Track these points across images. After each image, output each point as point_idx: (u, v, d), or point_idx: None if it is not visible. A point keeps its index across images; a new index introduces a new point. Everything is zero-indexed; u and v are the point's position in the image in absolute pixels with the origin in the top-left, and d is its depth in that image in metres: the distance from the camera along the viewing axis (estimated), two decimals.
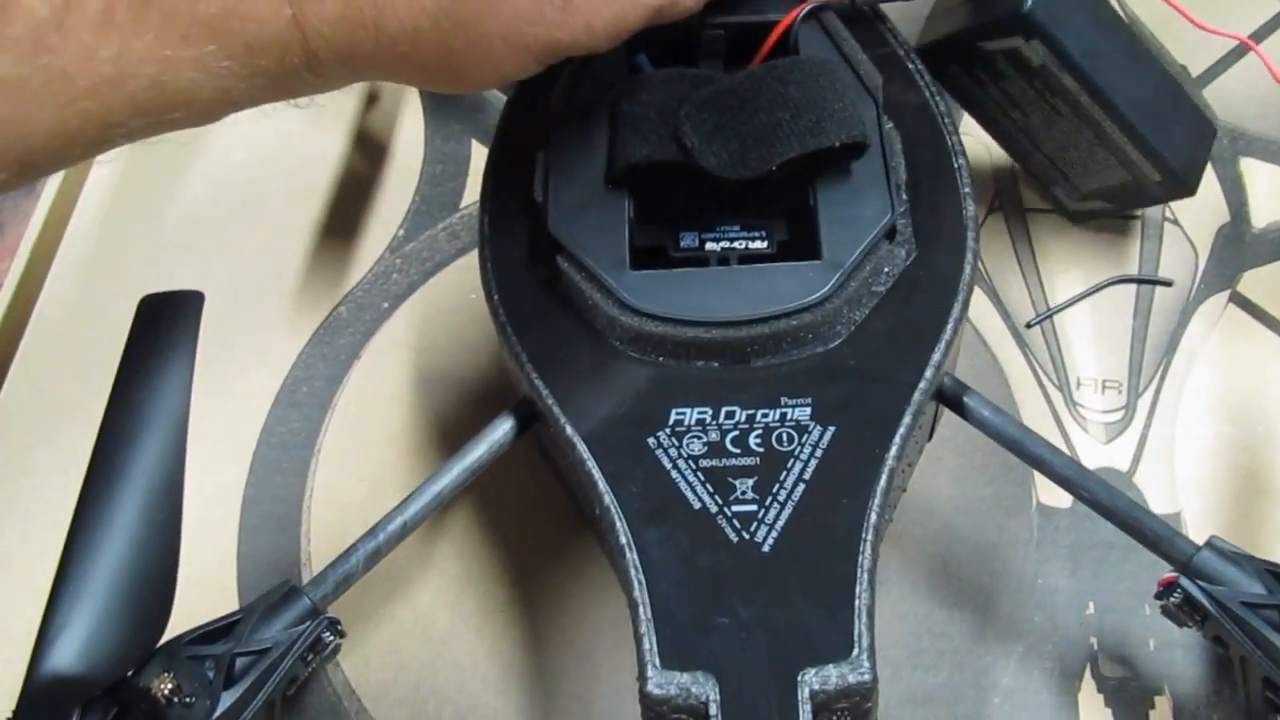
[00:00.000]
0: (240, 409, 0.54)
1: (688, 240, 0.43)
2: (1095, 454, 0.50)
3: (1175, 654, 0.45)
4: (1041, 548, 0.48)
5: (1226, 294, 0.53)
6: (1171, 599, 0.39)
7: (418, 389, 0.55)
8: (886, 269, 0.42)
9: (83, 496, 0.40)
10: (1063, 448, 0.49)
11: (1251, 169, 0.57)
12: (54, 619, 0.38)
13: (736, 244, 0.43)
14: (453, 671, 0.47)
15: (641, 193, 0.43)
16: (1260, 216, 0.55)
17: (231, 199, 0.61)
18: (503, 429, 0.44)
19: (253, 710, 0.39)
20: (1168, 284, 0.53)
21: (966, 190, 0.44)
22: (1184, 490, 0.49)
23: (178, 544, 0.40)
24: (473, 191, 0.60)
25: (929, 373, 0.40)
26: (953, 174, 0.44)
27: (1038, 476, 0.48)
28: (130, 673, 0.38)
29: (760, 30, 0.46)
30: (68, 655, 0.38)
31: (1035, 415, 0.51)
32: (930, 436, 0.49)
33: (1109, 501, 0.40)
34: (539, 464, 0.50)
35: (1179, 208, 0.55)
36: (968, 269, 0.42)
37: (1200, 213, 0.56)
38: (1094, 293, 0.53)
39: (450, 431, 0.53)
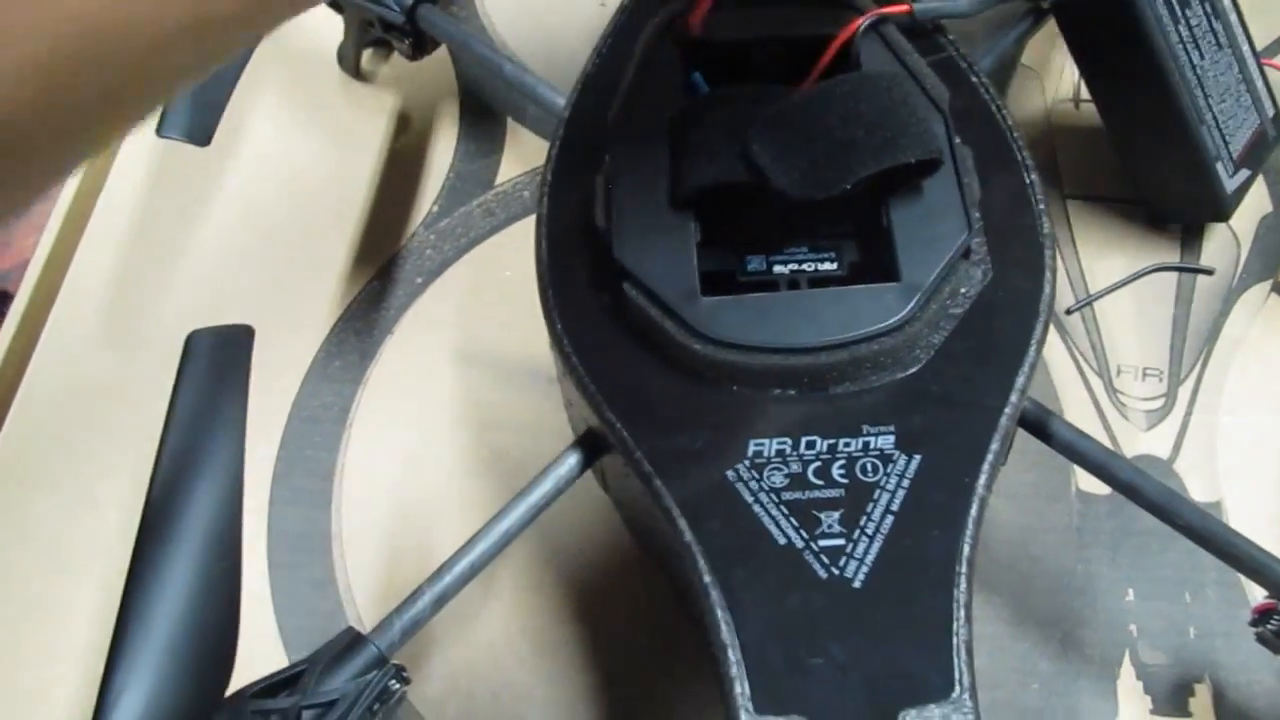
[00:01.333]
0: (274, 382, 0.53)
1: (754, 264, 0.42)
2: (1135, 441, 0.50)
3: (1216, 642, 0.45)
4: (1081, 534, 0.48)
5: (1269, 284, 0.53)
6: (1269, 625, 0.39)
7: (450, 365, 0.54)
8: (964, 290, 0.41)
9: (137, 550, 0.39)
10: (1103, 435, 0.50)
11: None
12: (113, 681, 0.37)
13: (805, 266, 0.42)
14: (507, 695, 0.46)
15: (706, 216, 0.42)
16: None
17: (268, 189, 0.60)
18: (568, 464, 0.42)
19: None
20: (1209, 272, 0.53)
21: (1041, 207, 0.43)
22: (1225, 479, 0.49)
23: (238, 595, 0.40)
24: (508, 168, 0.59)
25: (1014, 397, 0.39)
26: (1025, 190, 0.43)
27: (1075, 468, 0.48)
28: None
29: (819, 44, 0.44)
30: (131, 714, 0.37)
31: (1075, 403, 0.51)
32: (1005, 460, 0.48)
33: (1204, 527, 0.40)
34: (599, 495, 0.49)
35: None
36: (1048, 288, 0.41)
37: (1244, 202, 0.55)
38: (1134, 279, 0.53)
39: (483, 409, 0.53)
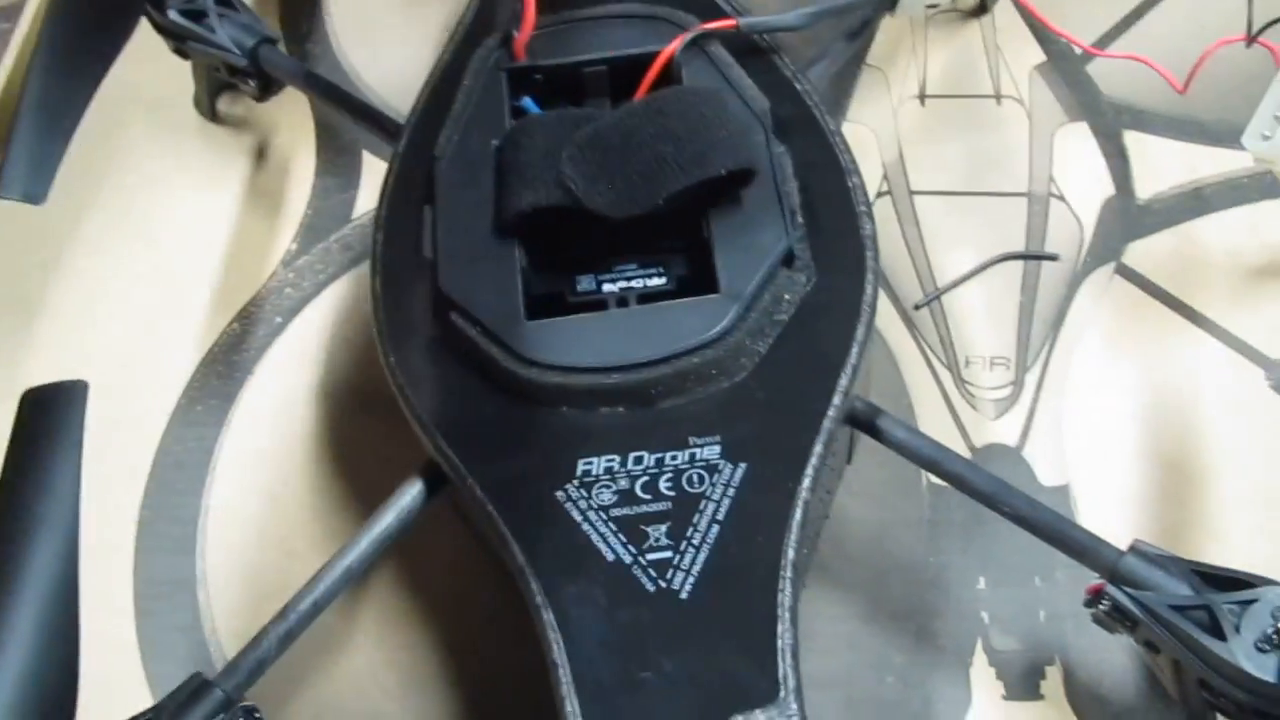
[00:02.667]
0: (137, 431, 0.53)
1: (585, 284, 0.42)
2: (985, 430, 0.50)
3: (1065, 625, 0.46)
4: (934, 527, 0.49)
5: (1112, 266, 0.54)
6: (1101, 606, 0.40)
7: (311, 402, 0.54)
8: (787, 296, 0.41)
9: None
10: (953, 426, 0.50)
11: (1135, 141, 0.57)
12: None
13: (634, 283, 0.42)
14: None
15: (534, 240, 0.42)
16: (1145, 188, 0.56)
17: (128, 240, 0.60)
18: (411, 494, 0.43)
19: None
20: (1054, 259, 0.54)
21: (863, 209, 0.44)
22: (1073, 463, 0.49)
23: (77, 650, 0.40)
24: (364, 202, 0.59)
25: (837, 399, 0.40)
26: (848, 193, 0.44)
27: None
28: None
29: (644, 63, 0.45)
30: None
31: (925, 396, 0.51)
32: (850, 459, 0.48)
33: (1031, 514, 0.41)
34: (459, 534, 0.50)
35: (1064, 183, 0.56)
36: (869, 289, 0.42)
37: (1085, 186, 0.56)
38: (980, 271, 0.54)
39: (344, 443, 0.53)
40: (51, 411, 0.42)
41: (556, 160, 0.41)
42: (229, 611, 0.49)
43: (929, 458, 0.42)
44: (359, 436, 0.53)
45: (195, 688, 0.40)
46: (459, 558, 0.49)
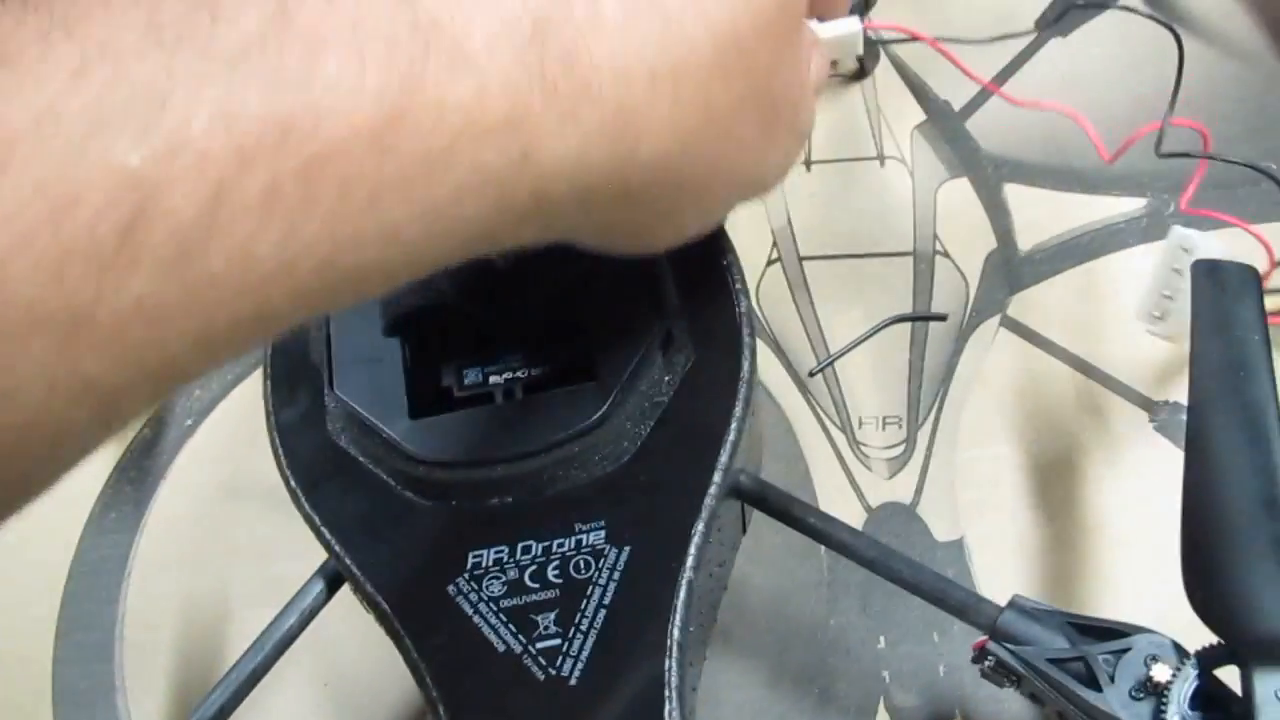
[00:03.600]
0: (52, 540, 0.54)
1: (471, 376, 0.43)
2: (879, 490, 0.52)
3: (964, 677, 0.47)
4: (833, 588, 0.49)
5: (998, 318, 0.55)
6: (986, 663, 0.41)
7: (224, 501, 0.55)
8: (667, 378, 0.42)
9: None
10: (848, 487, 0.52)
11: (1014, 194, 0.59)
12: None
13: (520, 373, 0.42)
14: None
15: (422, 337, 0.43)
16: (1026, 239, 0.58)
17: None
18: (313, 594, 0.43)
19: None
20: (942, 319, 0.55)
21: (738, 287, 0.44)
22: (965, 515, 0.51)
23: None
24: None
25: (717, 477, 0.40)
26: (722, 271, 0.44)
27: None
28: None
29: None
30: None
31: (820, 458, 0.53)
32: (745, 529, 0.49)
33: (914, 577, 0.42)
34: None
35: (948, 239, 0.58)
36: (745, 366, 0.42)
37: (969, 242, 0.58)
38: (870, 336, 0.55)
39: (258, 541, 0.53)
40: None
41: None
42: (148, 717, 0.50)
43: (815, 528, 0.43)
44: (271, 535, 0.53)
45: None
46: (366, 648, 0.50)
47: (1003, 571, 0.48)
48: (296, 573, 0.51)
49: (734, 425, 0.41)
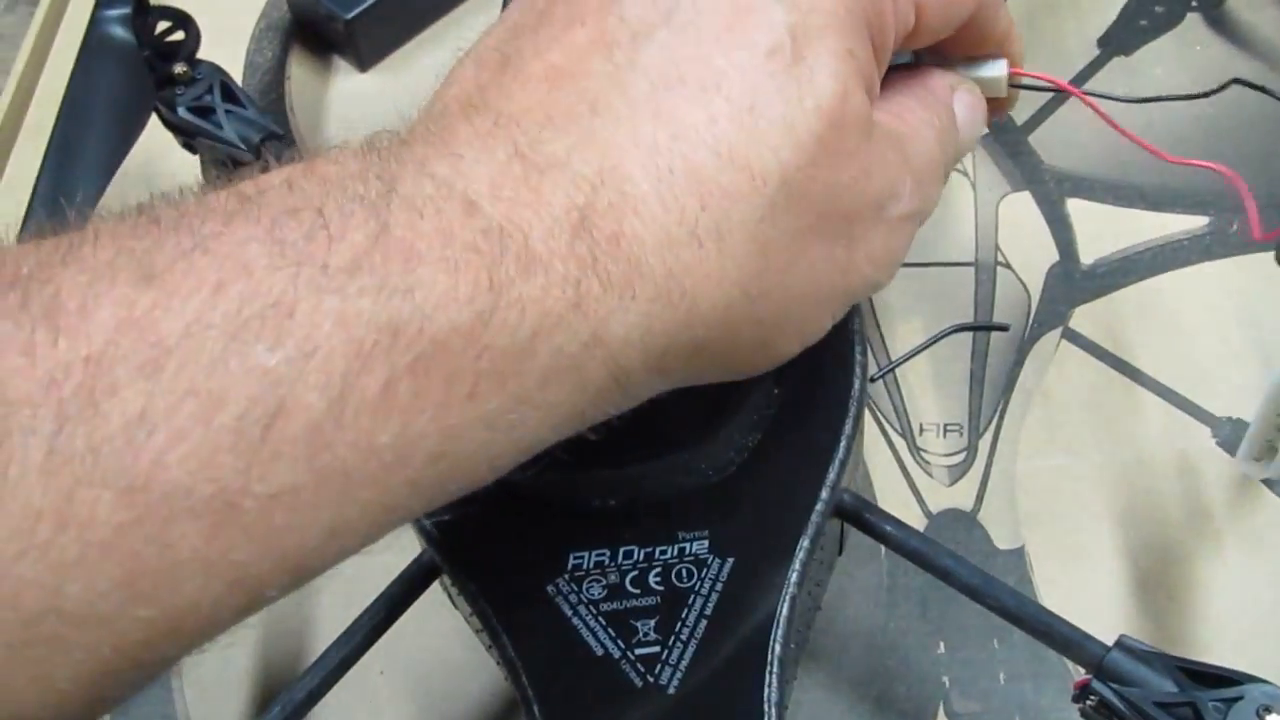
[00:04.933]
0: None
1: None
2: (940, 496, 0.52)
3: (1025, 685, 0.47)
4: (892, 593, 0.50)
5: (1059, 331, 0.56)
6: (1088, 701, 0.40)
7: None
8: (776, 390, 0.42)
9: None
10: (908, 493, 0.52)
11: (1076, 208, 0.60)
12: None
13: None
14: None
15: None
16: (1088, 253, 0.58)
17: None
18: (403, 585, 0.43)
19: None
20: (1004, 329, 0.56)
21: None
22: (1026, 524, 0.51)
23: None
24: None
25: (825, 494, 0.40)
26: None
27: None
28: None
29: None
30: None
31: (881, 464, 0.53)
32: (841, 550, 0.49)
33: (1017, 608, 0.41)
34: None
35: (1010, 251, 0.58)
36: (857, 384, 0.43)
37: (1030, 254, 0.58)
38: (933, 344, 0.55)
39: None
40: None
41: None
42: (204, 702, 0.50)
43: (915, 550, 0.43)
44: None
45: None
46: (450, 649, 0.50)
47: (1065, 583, 0.48)
48: (361, 564, 0.51)
49: (843, 443, 0.41)
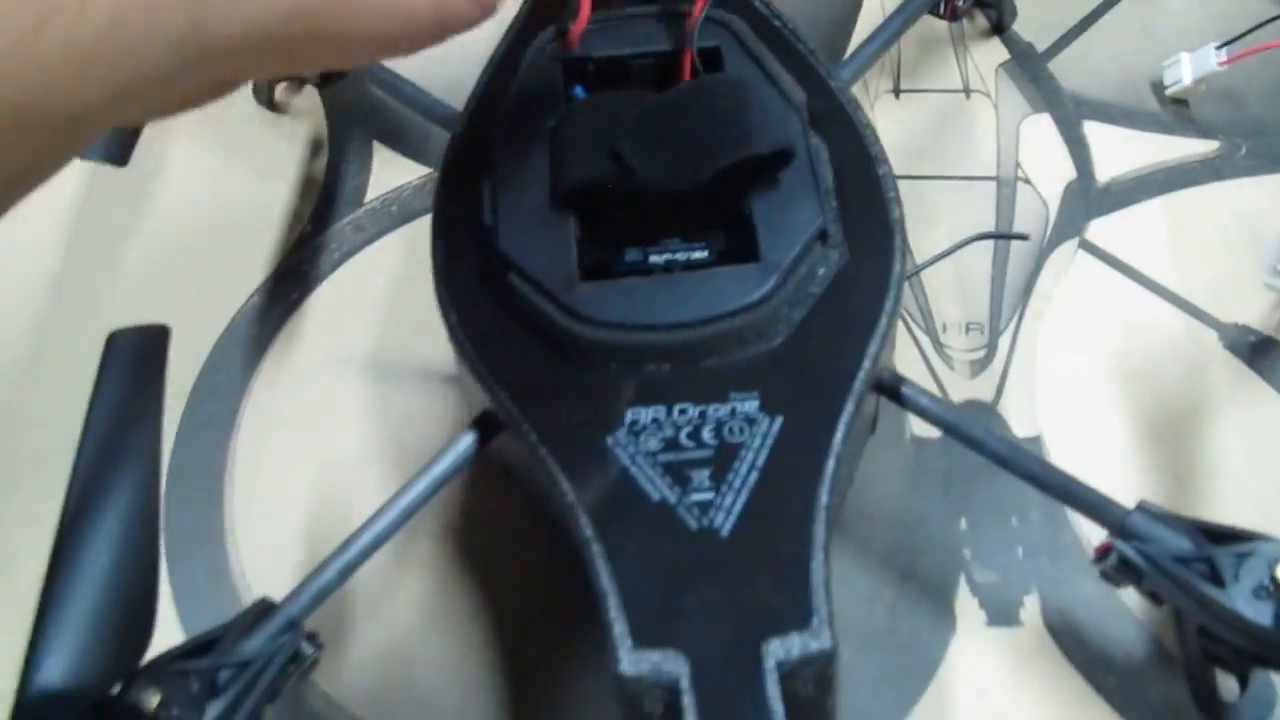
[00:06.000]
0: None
1: (632, 256, 0.45)
2: (962, 388, 0.55)
3: (1041, 559, 0.51)
4: (916, 474, 0.53)
5: (1076, 241, 0.60)
6: (1108, 563, 0.43)
7: (328, 370, 0.57)
8: (821, 270, 0.45)
9: (63, 522, 0.41)
10: (932, 384, 0.55)
11: (1093, 130, 0.63)
12: (40, 639, 0.39)
13: (679, 255, 0.45)
14: (421, 674, 0.49)
15: (586, 214, 0.46)
16: (1103, 171, 0.62)
17: (162, 216, 0.63)
18: (465, 442, 0.46)
19: None
20: (1024, 238, 0.59)
21: (891, 195, 0.47)
22: (1044, 415, 0.54)
23: (156, 565, 0.42)
24: (375, 188, 0.63)
25: (867, 363, 0.43)
26: (877, 181, 0.48)
27: (910, 414, 0.52)
28: (117, 691, 0.40)
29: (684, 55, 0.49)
30: (56, 673, 0.39)
31: (907, 359, 0.56)
32: (873, 430, 0.53)
33: (1043, 474, 0.45)
34: (501, 489, 0.53)
35: (1029, 168, 0.62)
36: (897, 266, 0.46)
37: (1049, 171, 0.62)
38: (956, 250, 0.58)
39: (363, 405, 0.56)
40: (136, 351, 0.45)
41: (610, 137, 0.45)
42: (256, 560, 0.53)
43: (949, 422, 0.46)
44: (376, 400, 0.56)
45: (262, 609, 0.43)
46: (497, 522, 0.53)
47: (1080, 468, 0.50)
48: (406, 437, 0.54)
49: (885, 318, 0.44)
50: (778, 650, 0.37)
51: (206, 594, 0.52)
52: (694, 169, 0.44)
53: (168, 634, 0.50)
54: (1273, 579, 0.40)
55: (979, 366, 0.56)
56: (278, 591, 0.44)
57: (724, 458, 0.42)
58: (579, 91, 0.49)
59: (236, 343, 0.59)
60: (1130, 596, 0.49)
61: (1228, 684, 0.46)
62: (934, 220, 0.60)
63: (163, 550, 0.51)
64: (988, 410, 0.54)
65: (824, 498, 0.40)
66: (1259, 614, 0.40)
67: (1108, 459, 0.53)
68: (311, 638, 0.44)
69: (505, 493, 0.53)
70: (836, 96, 0.50)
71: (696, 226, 0.46)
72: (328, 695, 0.49)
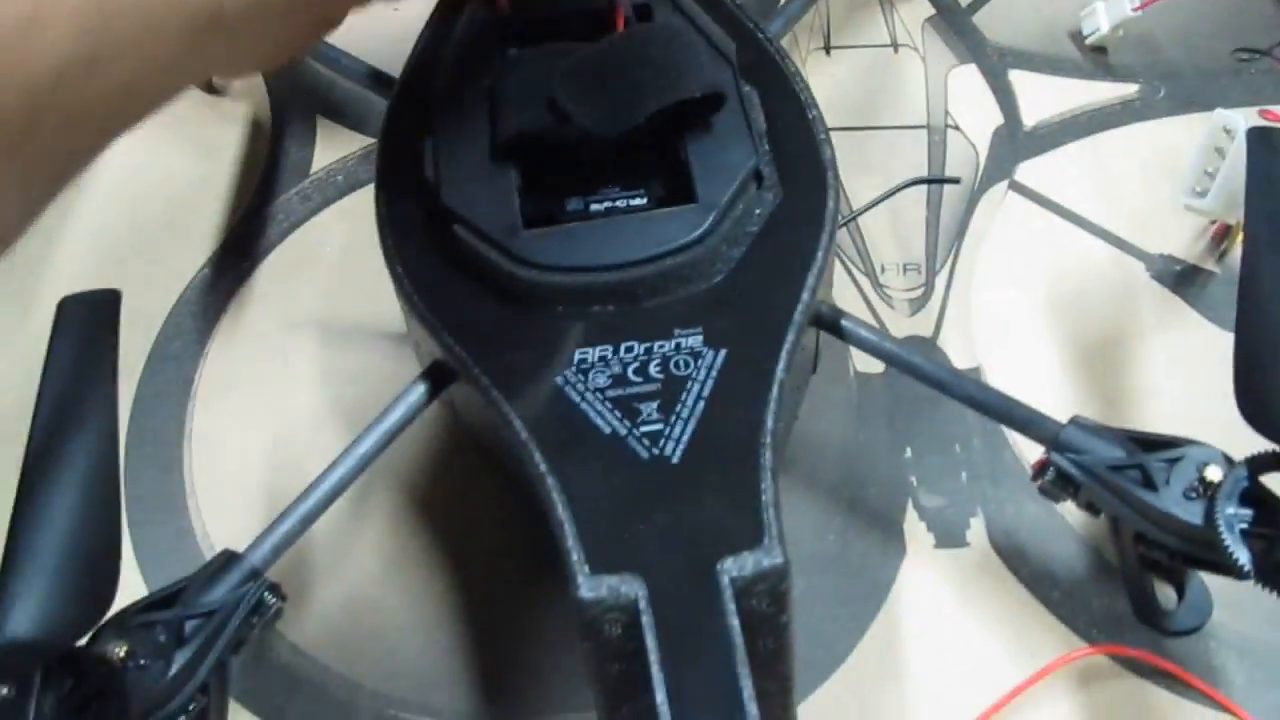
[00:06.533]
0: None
1: (573, 205, 0.47)
2: (902, 325, 0.57)
3: (984, 483, 0.53)
4: (861, 408, 0.55)
5: (1005, 183, 0.62)
6: (1046, 477, 0.45)
7: (281, 335, 0.59)
8: (757, 210, 0.46)
9: (23, 479, 0.42)
10: (873, 323, 0.56)
11: (1018, 79, 0.66)
12: (7, 592, 0.40)
13: (619, 203, 0.46)
14: (385, 621, 0.51)
15: (527, 166, 0.47)
16: (1029, 117, 0.65)
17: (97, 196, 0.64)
18: (417, 392, 0.47)
19: (206, 669, 0.42)
20: (955, 181, 0.60)
21: (822, 137, 0.49)
22: (981, 347, 0.56)
23: (119, 519, 0.43)
24: (320, 159, 0.65)
25: (806, 295, 0.44)
26: (808, 124, 0.49)
27: (853, 349, 0.54)
28: (85, 642, 0.41)
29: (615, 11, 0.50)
30: (24, 623, 0.39)
31: (848, 301, 0.58)
32: (815, 368, 0.54)
33: (982, 396, 0.47)
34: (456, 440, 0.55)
35: (958, 116, 0.64)
36: (831, 203, 0.47)
37: (977, 118, 0.65)
38: (891, 195, 0.60)
39: (317, 367, 0.57)
40: (89, 315, 0.45)
41: (546, 88, 0.46)
42: (218, 521, 0.53)
43: (888, 351, 0.48)
44: (329, 360, 0.58)
45: (225, 560, 0.44)
46: (452, 470, 0.54)
47: (1018, 394, 0.52)
48: (359, 395, 0.55)
49: (820, 253, 0.46)
50: (732, 568, 0.37)
51: (171, 557, 0.52)
52: (628, 113, 0.45)
53: (134, 598, 0.51)
54: (1202, 481, 0.42)
55: (917, 304, 0.58)
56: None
57: (671, 390, 0.43)
58: (511, 53, 0.50)
59: (189, 313, 0.59)
60: (1071, 513, 0.51)
61: (1166, 594, 0.48)
62: (869, 169, 0.62)
63: (126, 516, 0.52)
64: (928, 345, 0.56)
65: (769, 422, 0.41)
66: (1190, 514, 0.42)
67: (1043, 386, 0.55)
68: (274, 588, 0.45)
69: (460, 443, 0.54)
70: (766, 46, 0.52)
71: (635, 175, 0.47)
72: (295, 646, 0.50)
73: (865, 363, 0.55)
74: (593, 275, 0.44)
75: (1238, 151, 0.51)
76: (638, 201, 0.47)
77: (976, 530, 0.51)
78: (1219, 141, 0.53)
